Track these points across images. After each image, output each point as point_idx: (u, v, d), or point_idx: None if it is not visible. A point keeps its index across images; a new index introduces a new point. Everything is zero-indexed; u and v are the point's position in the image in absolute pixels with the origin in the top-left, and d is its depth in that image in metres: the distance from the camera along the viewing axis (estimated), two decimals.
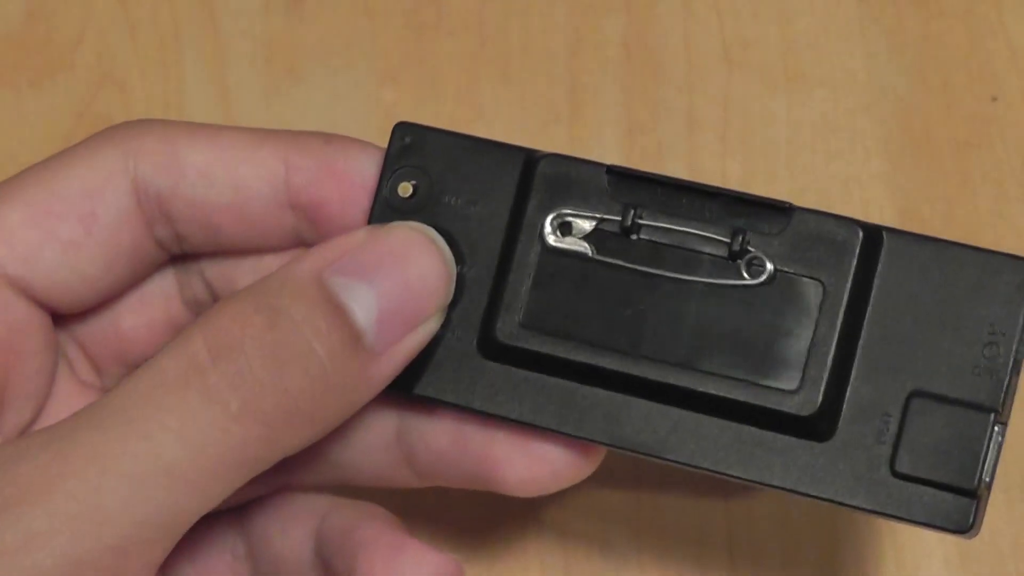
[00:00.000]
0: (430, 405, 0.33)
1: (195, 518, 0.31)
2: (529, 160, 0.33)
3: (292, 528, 0.35)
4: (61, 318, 0.36)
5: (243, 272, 0.35)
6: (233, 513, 0.36)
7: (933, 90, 0.48)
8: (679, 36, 0.49)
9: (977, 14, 0.49)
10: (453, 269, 0.32)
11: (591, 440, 0.32)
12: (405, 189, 0.33)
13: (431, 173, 0.33)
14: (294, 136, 0.35)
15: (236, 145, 0.35)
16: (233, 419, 0.30)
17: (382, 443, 0.34)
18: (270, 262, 0.35)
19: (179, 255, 0.36)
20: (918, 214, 0.46)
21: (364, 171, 0.34)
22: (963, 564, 0.42)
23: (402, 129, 0.34)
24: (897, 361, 0.31)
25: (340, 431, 0.34)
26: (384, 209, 0.33)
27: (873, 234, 0.31)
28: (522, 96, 0.49)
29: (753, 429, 0.31)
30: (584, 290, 0.32)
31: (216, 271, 0.36)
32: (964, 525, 0.30)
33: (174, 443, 0.30)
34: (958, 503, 0.30)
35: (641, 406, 0.32)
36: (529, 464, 0.32)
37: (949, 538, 0.42)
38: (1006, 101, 0.48)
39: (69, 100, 0.50)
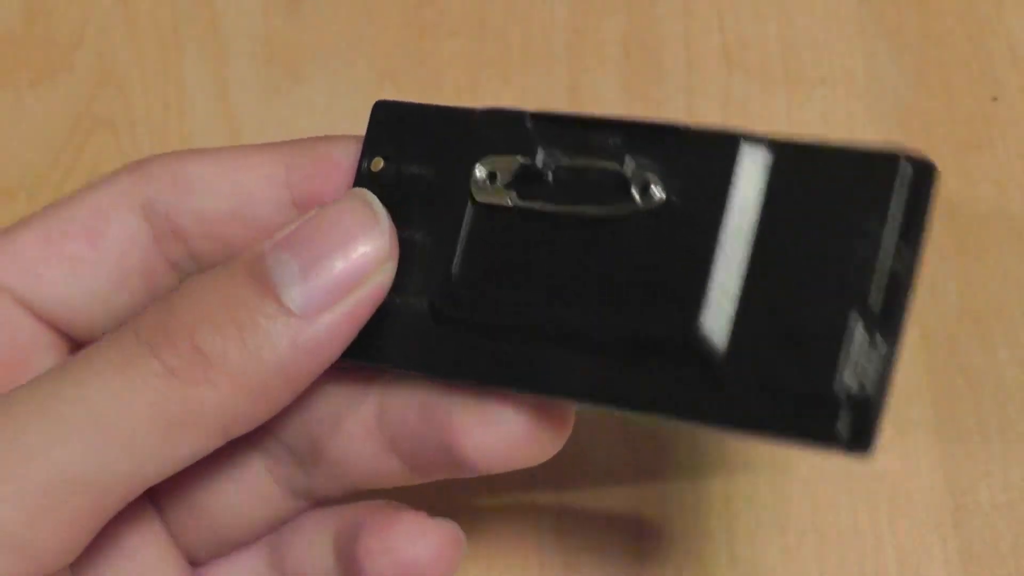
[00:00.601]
0: (389, 373, 0.33)
1: (132, 482, 0.30)
2: (470, 119, 0.33)
3: (315, 542, 0.35)
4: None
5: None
6: (265, 540, 0.36)
7: (933, 90, 0.48)
8: (679, 36, 0.49)
9: (977, 14, 0.49)
10: (388, 235, 0.32)
11: (516, 391, 0.32)
12: (376, 164, 0.34)
13: (403, 146, 0.34)
14: (293, 141, 0.36)
15: (238, 156, 0.35)
16: (164, 377, 0.30)
17: (364, 430, 0.34)
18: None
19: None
20: None
21: (356, 158, 0.35)
22: (963, 564, 0.42)
23: (379, 107, 0.35)
24: (783, 278, 0.29)
25: (325, 422, 0.34)
26: (362, 185, 0.34)
27: (754, 146, 0.30)
28: (522, 96, 0.49)
29: (653, 362, 0.30)
30: (508, 243, 0.32)
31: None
32: (827, 434, 0.28)
33: (106, 396, 0.30)
34: (825, 412, 0.29)
35: (560, 355, 0.31)
36: (485, 431, 0.32)
37: (949, 538, 0.42)
38: (1006, 101, 0.48)
39: (69, 100, 0.50)
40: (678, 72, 0.49)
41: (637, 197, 0.31)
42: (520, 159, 0.32)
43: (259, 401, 0.31)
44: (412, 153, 0.34)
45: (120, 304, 0.36)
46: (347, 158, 0.35)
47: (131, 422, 0.30)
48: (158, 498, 0.35)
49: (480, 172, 0.32)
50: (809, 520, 0.42)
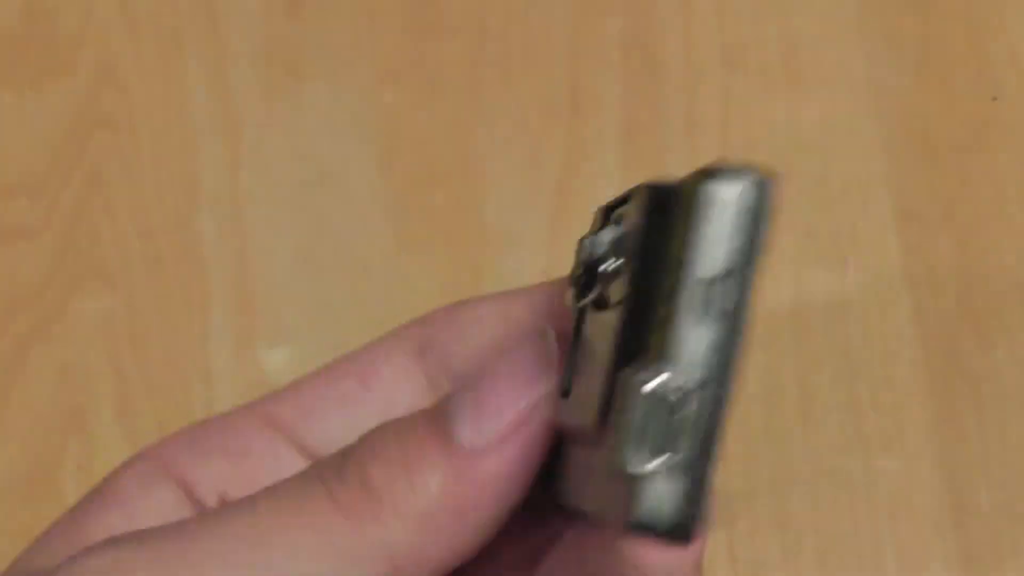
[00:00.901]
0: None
1: None
2: None
3: None
4: None
5: None
6: None
7: (933, 90, 0.48)
8: (679, 36, 0.49)
9: (977, 14, 0.49)
10: (553, 356, 0.31)
11: None
12: (567, 297, 0.31)
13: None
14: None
15: (510, 293, 0.34)
16: (333, 511, 0.30)
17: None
18: None
19: None
20: (918, 214, 0.46)
21: None
22: (963, 564, 0.42)
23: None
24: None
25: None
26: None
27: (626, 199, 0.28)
28: (522, 96, 0.49)
29: None
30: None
31: None
32: (630, 516, 0.24)
33: (276, 525, 0.30)
34: (626, 490, 0.25)
35: None
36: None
37: (950, 537, 0.42)
38: (1006, 101, 0.48)
39: (69, 100, 0.50)
40: (678, 72, 0.49)
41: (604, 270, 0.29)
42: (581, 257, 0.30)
43: (427, 536, 0.31)
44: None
45: None
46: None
47: (297, 551, 0.30)
48: None
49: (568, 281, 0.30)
50: (809, 520, 0.42)
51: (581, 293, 0.30)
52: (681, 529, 0.24)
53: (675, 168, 0.49)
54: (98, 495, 0.34)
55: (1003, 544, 0.42)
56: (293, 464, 0.34)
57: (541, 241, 0.47)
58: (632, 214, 0.27)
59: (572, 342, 0.30)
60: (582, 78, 0.49)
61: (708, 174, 0.25)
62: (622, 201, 0.29)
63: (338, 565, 0.30)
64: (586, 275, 0.29)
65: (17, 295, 0.48)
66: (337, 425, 0.35)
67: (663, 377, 0.24)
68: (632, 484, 0.24)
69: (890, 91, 0.48)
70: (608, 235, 0.28)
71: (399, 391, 0.35)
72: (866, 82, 0.48)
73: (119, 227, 0.48)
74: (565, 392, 0.29)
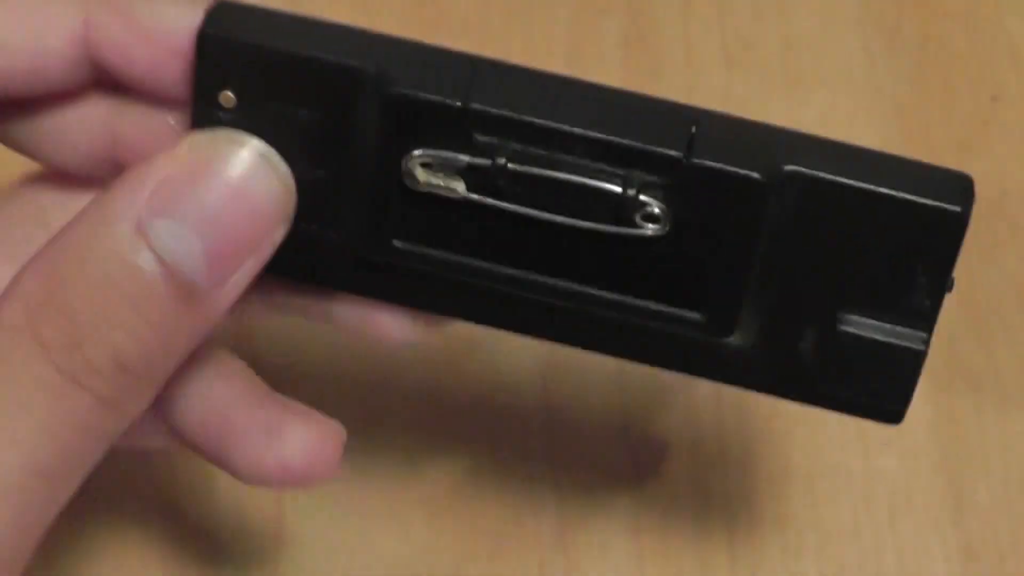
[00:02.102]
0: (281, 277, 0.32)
1: (53, 506, 0.30)
2: (372, 83, 0.30)
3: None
4: None
5: (44, 130, 0.33)
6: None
7: (933, 90, 0.48)
8: (679, 36, 0.49)
9: (977, 14, 0.49)
10: (291, 190, 0.30)
11: (495, 324, 0.32)
12: (227, 99, 0.30)
13: (249, 79, 0.30)
14: None
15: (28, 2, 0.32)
16: (70, 393, 0.29)
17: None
18: (71, 117, 0.33)
19: None
20: None
21: (175, 33, 0.31)
22: (963, 564, 0.42)
23: (215, 27, 0.30)
24: (814, 288, 0.30)
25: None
26: (204, 113, 0.30)
27: (778, 179, 0.29)
28: None
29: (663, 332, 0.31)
30: (453, 221, 0.31)
31: (15, 129, 0.34)
32: (896, 420, 0.31)
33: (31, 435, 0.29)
34: (890, 410, 0.31)
35: (540, 304, 0.31)
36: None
37: (950, 536, 0.42)
38: (1006, 101, 0.48)
39: None
40: (678, 72, 0.49)
41: (636, 218, 0.29)
42: (466, 158, 0.30)
43: (161, 385, 0.30)
44: (278, 92, 0.30)
45: None
46: (164, 32, 0.31)
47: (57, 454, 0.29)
48: None
49: (413, 168, 0.30)
50: (809, 519, 0.42)
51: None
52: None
53: None
54: None
55: (1003, 542, 0.42)
56: None
57: None
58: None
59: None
60: (582, 78, 0.49)
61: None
62: None
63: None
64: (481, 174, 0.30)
65: None
66: None
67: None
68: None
69: (890, 91, 0.48)
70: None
71: None
72: (866, 82, 0.48)
73: None
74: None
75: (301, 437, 0.32)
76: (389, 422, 0.44)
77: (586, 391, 0.44)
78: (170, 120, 0.32)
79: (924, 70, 0.48)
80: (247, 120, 0.30)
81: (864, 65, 0.48)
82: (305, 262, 0.32)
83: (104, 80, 0.32)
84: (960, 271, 0.45)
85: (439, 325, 0.34)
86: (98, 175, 0.33)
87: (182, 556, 0.42)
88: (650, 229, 0.29)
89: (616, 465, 0.43)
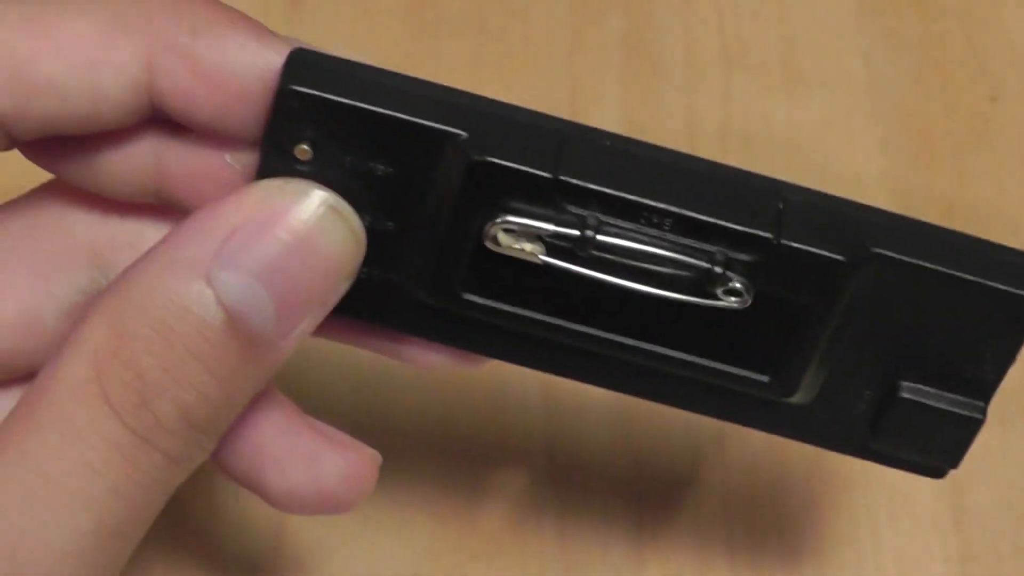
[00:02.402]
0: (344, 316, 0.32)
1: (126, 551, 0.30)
2: (459, 146, 0.29)
3: None
4: None
5: (91, 161, 0.32)
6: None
7: (933, 90, 0.48)
8: (679, 36, 0.49)
9: (977, 14, 0.49)
10: (362, 243, 0.30)
11: (575, 376, 0.32)
12: (302, 152, 0.29)
13: (327, 132, 0.30)
14: (152, 23, 0.30)
15: (87, 43, 0.30)
16: (140, 453, 0.28)
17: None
18: (122, 150, 0.31)
19: None
20: (918, 214, 0.46)
21: (243, 78, 0.30)
22: (963, 564, 0.42)
23: (294, 77, 0.29)
24: (879, 354, 0.31)
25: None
26: (274, 161, 0.30)
27: (861, 260, 0.30)
28: (522, 96, 0.49)
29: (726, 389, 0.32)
30: (532, 280, 0.31)
31: (61, 159, 0.32)
32: (942, 476, 0.33)
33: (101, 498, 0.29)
34: (938, 467, 0.33)
35: (607, 358, 0.32)
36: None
37: (950, 537, 0.42)
38: (1006, 101, 0.48)
39: None
40: (678, 72, 0.49)
41: (719, 296, 0.30)
42: (553, 227, 0.30)
43: (223, 431, 0.30)
44: (354, 147, 0.29)
45: None
46: (231, 76, 0.30)
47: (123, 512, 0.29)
48: None
49: (495, 232, 0.30)
50: (809, 520, 0.42)
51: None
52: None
53: None
54: None
55: (1002, 546, 0.42)
56: None
57: None
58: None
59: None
60: (582, 78, 0.49)
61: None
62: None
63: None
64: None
65: None
66: None
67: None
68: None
69: (890, 91, 0.48)
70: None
71: None
72: (866, 82, 0.48)
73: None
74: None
75: (338, 465, 0.32)
76: (389, 422, 0.44)
77: (588, 391, 0.44)
78: (227, 158, 0.31)
79: (924, 70, 0.48)
80: (319, 170, 0.29)
81: (864, 65, 0.48)
82: (367, 303, 0.31)
83: (160, 115, 0.31)
84: None
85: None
86: (142, 201, 0.32)
87: (183, 556, 0.42)
88: (732, 302, 0.30)
89: (616, 465, 0.43)
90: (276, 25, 0.50)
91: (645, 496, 0.43)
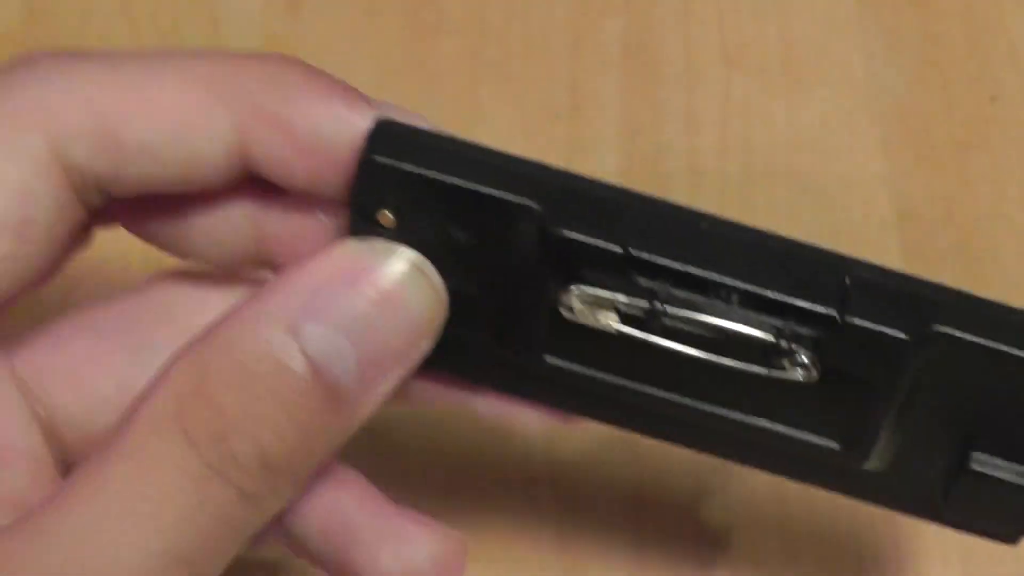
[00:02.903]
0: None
1: None
2: (534, 218, 0.30)
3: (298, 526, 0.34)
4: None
5: (188, 226, 0.33)
6: None
7: (933, 90, 0.48)
8: (679, 36, 0.49)
9: (977, 14, 0.49)
10: (444, 302, 0.31)
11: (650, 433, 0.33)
12: (386, 219, 0.30)
13: (410, 202, 0.31)
14: (246, 90, 0.31)
15: (179, 107, 0.30)
16: (214, 485, 0.29)
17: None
18: (217, 214, 0.32)
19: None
20: (918, 214, 0.46)
21: (336, 145, 0.30)
22: (963, 564, 0.42)
23: (377, 147, 0.30)
24: (948, 427, 0.32)
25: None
26: (360, 224, 0.31)
27: (926, 339, 0.30)
28: (522, 96, 0.49)
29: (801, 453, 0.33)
30: (608, 346, 0.31)
31: (158, 226, 0.33)
32: (1013, 542, 0.34)
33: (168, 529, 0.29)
34: (1011, 534, 0.34)
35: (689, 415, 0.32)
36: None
37: (949, 538, 0.42)
38: (1006, 101, 0.48)
39: None
40: (678, 72, 0.49)
41: (787, 368, 0.31)
42: (624, 298, 0.31)
43: (301, 486, 0.31)
44: (437, 213, 0.31)
45: (46, 270, 0.32)
46: (323, 144, 0.30)
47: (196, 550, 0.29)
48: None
49: (569, 300, 0.31)
50: (809, 520, 0.42)
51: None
52: None
53: (675, 168, 0.49)
54: None
55: (1002, 545, 0.42)
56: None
57: None
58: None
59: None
60: (582, 78, 0.49)
61: None
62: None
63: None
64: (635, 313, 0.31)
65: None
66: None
67: None
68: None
69: (890, 91, 0.48)
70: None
71: (57, 231, 0.32)
72: (866, 82, 0.48)
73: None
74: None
75: (431, 549, 0.32)
76: (390, 421, 0.44)
77: None
78: (321, 217, 0.32)
79: (924, 70, 0.48)
80: (403, 233, 0.30)
81: (864, 65, 0.48)
82: (449, 358, 0.32)
83: (255, 177, 0.31)
84: (960, 271, 0.46)
85: (579, 421, 0.34)
86: (238, 267, 0.33)
87: None
88: (799, 375, 0.30)
89: (616, 465, 0.43)
90: (276, 25, 0.50)
91: (645, 496, 0.43)
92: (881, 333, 0.30)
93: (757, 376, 0.31)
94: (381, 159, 0.30)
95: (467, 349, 0.32)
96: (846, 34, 0.49)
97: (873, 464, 0.33)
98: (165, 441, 0.29)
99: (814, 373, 0.31)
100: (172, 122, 0.30)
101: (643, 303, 0.30)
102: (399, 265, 0.30)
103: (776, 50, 0.49)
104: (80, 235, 0.33)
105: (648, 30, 0.49)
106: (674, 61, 0.49)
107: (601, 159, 0.48)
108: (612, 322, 0.31)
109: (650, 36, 0.49)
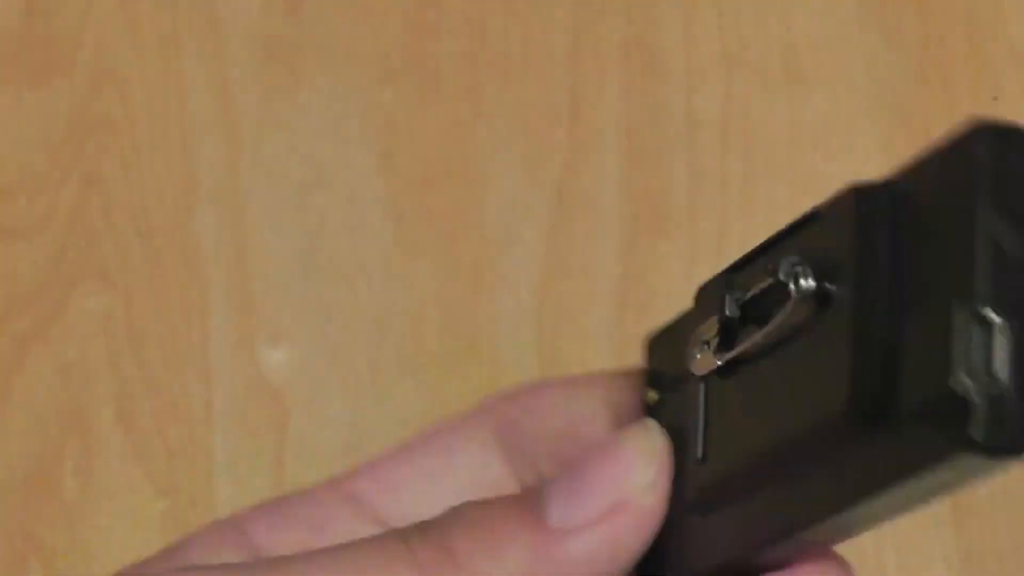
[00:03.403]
0: None
1: None
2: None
3: None
4: None
5: None
6: None
7: (933, 90, 0.48)
8: (679, 36, 0.49)
9: (977, 14, 0.49)
10: (661, 468, 0.31)
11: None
12: (651, 397, 0.33)
13: (663, 367, 0.33)
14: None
15: (579, 382, 0.35)
16: (411, 568, 0.30)
17: None
18: None
19: None
20: None
21: None
22: (963, 564, 0.42)
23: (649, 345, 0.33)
24: (918, 311, 0.27)
25: None
26: (647, 410, 0.33)
27: (864, 195, 0.28)
28: (522, 96, 0.49)
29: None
30: (732, 404, 0.31)
31: None
32: (960, 442, 0.25)
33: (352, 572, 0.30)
34: (950, 414, 0.25)
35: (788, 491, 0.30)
36: None
37: (949, 538, 0.42)
38: (1006, 101, 0.48)
39: (69, 100, 0.50)
40: (678, 72, 0.49)
41: (794, 294, 0.28)
42: (717, 316, 0.30)
43: None
44: (667, 372, 0.32)
45: None
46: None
47: None
48: None
49: (693, 348, 0.31)
50: None
51: (717, 350, 0.30)
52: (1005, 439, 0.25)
53: (675, 168, 0.49)
54: (168, 551, 0.34)
55: (1003, 545, 0.42)
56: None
57: (541, 241, 0.47)
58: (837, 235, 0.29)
59: (692, 411, 0.31)
60: (582, 78, 0.49)
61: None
62: (754, 257, 0.30)
63: None
64: (725, 335, 0.30)
65: (16, 295, 0.48)
66: (418, 501, 0.34)
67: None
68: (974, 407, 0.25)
69: (890, 91, 0.48)
70: (789, 268, 0.29)
71: (480, 469, 0.35)
72: (866, 82, 0.48)
73: (118, 227, 0.48)
74: (702, 458, 0.31)
75: None
76: (390, 416, 0.44)
77: None
78: None
79: (924, 70, 0.48)
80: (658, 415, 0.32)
81: (864, 65, 0.48)
82: None
83: None
84: None
85: None
86: None
87: None
88: (802, 295, 0.29)
89: None
90: (276, 25, 0.51)
91: None
92: (832, 202, 0.29)
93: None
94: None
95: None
96: (846, 34, 0.49)
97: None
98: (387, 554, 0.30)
99: (811, 284, 0.28)
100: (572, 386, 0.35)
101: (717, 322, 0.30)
102: (653, 474, 0.31)
103: (776, 50, 0.49)
104: None
105: (648, 30, 0.49)
106: (674, 61, 0.49)
107: (601, 159, 0.48)
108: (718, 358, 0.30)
109: (650, 36, 0.49)
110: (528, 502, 0.31)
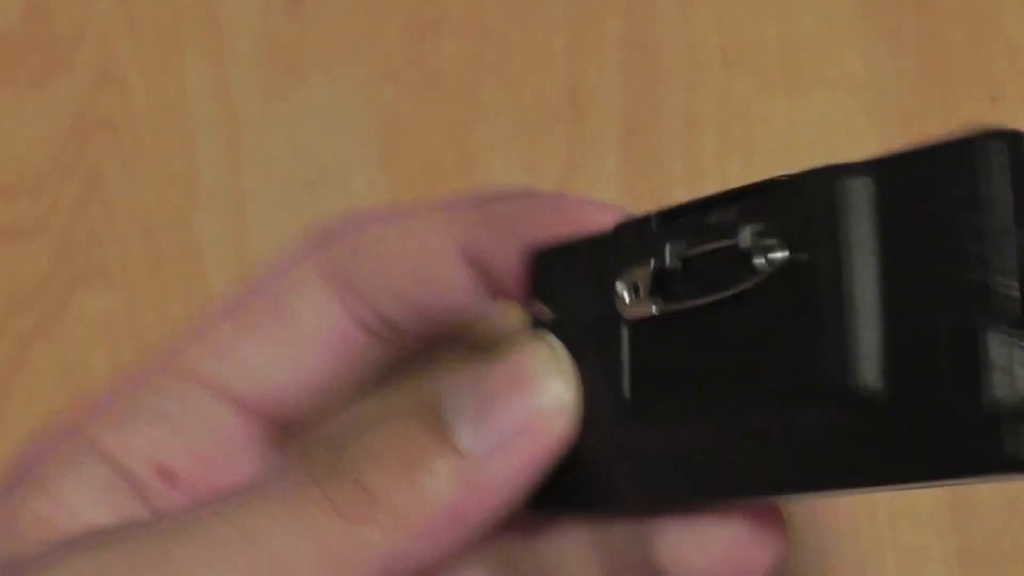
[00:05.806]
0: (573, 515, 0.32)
1: None
2: (607, 241, 0.31)
3: (569, 554, 0.33)
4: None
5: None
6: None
7: (933, 90, 0.48)
8: (679, 36, 0.49)
9: (977, 14, 0.49)
10: (571, 384, 0.31)
11: (714, 499, 0.30)
12: (543, 311, 0.33)
13: (558, 288, 0.32)
14: (464, 201, 0.34)
15: (412, 219, 0.34)
16: (328, 513, 0.29)
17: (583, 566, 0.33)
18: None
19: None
20: None
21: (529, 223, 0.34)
22: (963, 564, 0.42)
23: (538, 257, 0.33)
24: (915, 302, 0.27)
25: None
26: (536, 323, 0.33)
27: (851, 176, 0.28)
28: (522, 96, 0.49)
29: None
30: (666, 351, 0.30)
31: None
32: (996, 458, 0.25)
33: (266, 523, 0.30)
34: (985, 434, 0.25)
35: (740, 450, 0.29)
36: (694, 551, 0.30)
37: (949, 538, 0.42)
38: (1006, 101, 0.48)
39: (69, 100, 0.50)
40: (678, 72, 0.49)
41: (761, 265, 0.28)
42: (652, 263, 0.30)
43: (424, 542, 0.30)
44: (566, 293, 0.32)
45: (319, 379, 0.35)
46: (521, 227, 0.33)
47: (289, 553, 0.29)
48: None
49: (622, 289, 0.31)
50: (809, 520, 0.42)
51: (657, 296, 0.30)
52: None
53: (675, 168, 0.49)
54: (21, 481, 0.32)
55: (1003, 545, 0.42)
56: (224, 419, 0.34)
57: None
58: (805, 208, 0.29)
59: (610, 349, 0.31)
60: (582, 78, 0.49)
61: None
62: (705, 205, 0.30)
63: (332, 568, 0.30)
64: (657, 282, 0.30)
65: (17, 294, 0.48)
66: (267, 371, 0.34)
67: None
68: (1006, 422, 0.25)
69: (890, 91, 0.48)
70: (748, 233, 0.29)
71: (319, 322, 0.34)
72: (866, 82, 0.48)
73: (119, 226, 0.48)
74: (631, 398, 0.31)
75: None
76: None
77: None
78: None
79: (924, 70, 0.48)
80: (552, 329, 0.32)
81: (864, 65, 0.48)
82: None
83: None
84: None
85: None
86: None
87: None
88: (770, 266, 0.29)
89: None
90: (276, 25, 0.51)
91: None
92: (809, 175, 0.29)
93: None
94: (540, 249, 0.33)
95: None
96: (846, 34, 0.49)
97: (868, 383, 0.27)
98: (308, 504, 0.30)
99: (781, 256, 0.28)
100: (404, 223, 0.34)
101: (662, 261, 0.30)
102: (558, 388, 0.31)
103: (776, 50, 0.49)
104: (350, 353, 0.36)
105: (648, 30, 0.49)
106: (674, 61, 0.49)
107: (601, 159, 0.48)
108: (655, 307, 0.30)
109: (650, 36, 0.49)
110: (434, 424, 0.30)
